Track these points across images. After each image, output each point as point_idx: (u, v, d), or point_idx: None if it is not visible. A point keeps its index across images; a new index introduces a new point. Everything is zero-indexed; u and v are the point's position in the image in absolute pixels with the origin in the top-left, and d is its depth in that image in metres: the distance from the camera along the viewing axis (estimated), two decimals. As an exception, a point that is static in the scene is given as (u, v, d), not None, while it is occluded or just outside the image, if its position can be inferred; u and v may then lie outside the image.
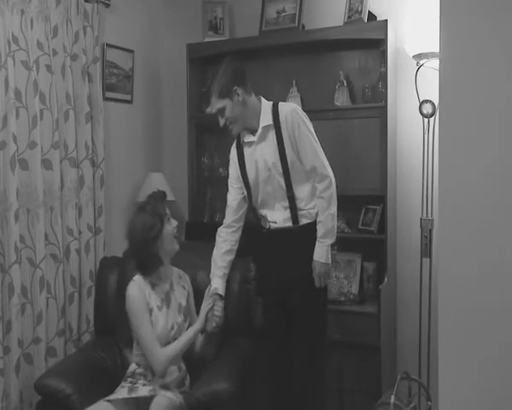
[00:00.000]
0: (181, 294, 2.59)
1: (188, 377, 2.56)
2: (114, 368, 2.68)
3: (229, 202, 2.76)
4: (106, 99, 3.49)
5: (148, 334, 2.40)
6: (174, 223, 2.53)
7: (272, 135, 2.54)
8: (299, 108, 2.59)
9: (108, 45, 3.51)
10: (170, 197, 3.71)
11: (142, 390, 2.41)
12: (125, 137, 3.73)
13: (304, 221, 2.56)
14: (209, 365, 2.59)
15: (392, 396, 2.50)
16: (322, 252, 2.52)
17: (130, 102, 3.76)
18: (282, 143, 2.52)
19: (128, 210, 3.66)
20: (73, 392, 2.38)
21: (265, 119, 2.55)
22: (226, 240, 2.69)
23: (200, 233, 3.64)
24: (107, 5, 3.44)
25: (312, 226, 2.55)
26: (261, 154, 2.57)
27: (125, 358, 2.68)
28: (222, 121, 2.56)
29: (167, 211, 2.52)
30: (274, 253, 2.62)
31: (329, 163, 2.58)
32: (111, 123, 3.58)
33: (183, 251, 2.87)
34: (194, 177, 3.75)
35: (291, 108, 2.55)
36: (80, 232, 3.22)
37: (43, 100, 2.98)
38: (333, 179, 2.54)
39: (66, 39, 3.11)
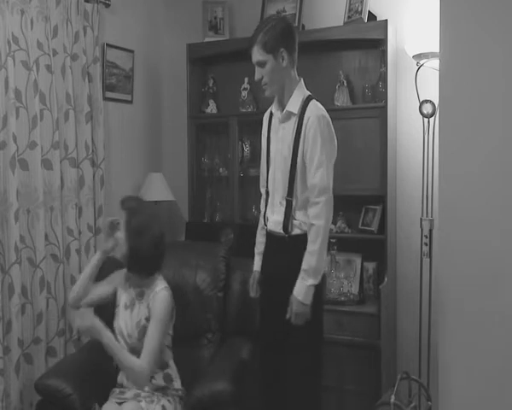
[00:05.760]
0: (144, 310, 2.41)
1: (174, 377, 2.50)
2: (114, 368, 2.68)
3: (261, 168, 2.58)
4: (106, 99, 3.49)
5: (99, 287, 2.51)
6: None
7: (294, 125, 2.35)
8: (328, 118, 2.34)
9: (108, 45, 3.51)
10: (170, 197, 3.72)
11: (128, 394, 2.39)
12: (125, 137, 3.73)
13: (295, 231, 2.35)
14: (209, 365, 2.59)
15: (392, 396, 2.50)
16: (301, 289, 2.26)
17: (130, 102, 3.77)
18: (299, 140, 2.33)
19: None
20: (73, 392, 2.38)
21: (293, 104, 2.36)
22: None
23: (200, 233, 3.65)
24: (107, 5, 3.44)
25: (302, 238, 2.32)
26: (283, 136, 2.40)
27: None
28: (258, 75, 2.37)
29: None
30: (267, 257, 2.50)
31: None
32: (111, 123, 3.58)
33: (183, 251, 2.87)
34: (194, 177, 3.75)
35: (318, 113, 2.31)
36: (80, 232, 3.22)
37: (43, 100, 2.98)
38: (325, 209, 2.26)
39: (67, 39, 3.11)
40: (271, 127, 2.49)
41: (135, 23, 3.80)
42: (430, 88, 3.02)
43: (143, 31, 3.90)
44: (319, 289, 2.42)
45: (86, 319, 2.25)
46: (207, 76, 3.85)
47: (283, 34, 2.35)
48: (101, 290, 2.51)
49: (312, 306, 2.33)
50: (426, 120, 3.13)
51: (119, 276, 2.54)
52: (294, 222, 2.35)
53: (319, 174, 2.28)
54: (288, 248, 2.37)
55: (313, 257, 2.25)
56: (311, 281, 2.26)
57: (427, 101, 3.09)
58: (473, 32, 1.52)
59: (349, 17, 3.30)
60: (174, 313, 2.47)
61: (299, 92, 2.39)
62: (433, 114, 3.09)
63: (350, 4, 3.31)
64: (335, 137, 2.39)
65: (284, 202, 2.37)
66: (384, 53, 3.18)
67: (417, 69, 3.12)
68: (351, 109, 3.34)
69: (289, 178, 2.35)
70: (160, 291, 2.40)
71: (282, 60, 2.33)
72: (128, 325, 2.42)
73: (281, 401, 2.47)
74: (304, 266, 2.26)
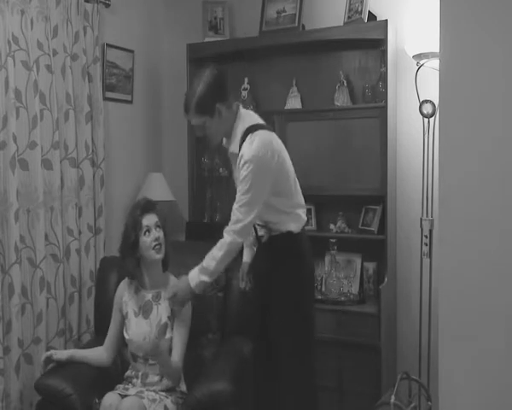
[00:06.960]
0: (164, 310, 2.51)
1: (181, 380, 2.53)
2: (114, 368, 2.68)
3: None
4: (106, 99, 3.49)
5: (110, 330, 2.61)
6: (154, 234, 2.48)
7: (238, 162, 2.37)
8: (259, 156, 2.28)
9: (108, 45, 3.51)
10: (170, 197, 3.72)
11: (131, 391, 2.41)
12: (125, 137, 3.73)
13: (271, 234, 2.44)
14: (209, 365, 2.59)
15: (392, 396, 2.50)
16: (195, 278, 2.37)
17: (130, 102, 3.76)
18: None
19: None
20: (73, 392, 2.38)
21: (234, 143, 2.39)
22: None
23: (200, 233, 3.65)
24: (107, 5, 3.44)
25: (280, 237, 2.42)
26: (234, 170, 2.48)
27: (125, 358, 2.68)
28: (199, 133, 2.43)
29: (145, 223, 2.48)
30: (255, 259, 2.58)
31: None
32: (111, 123, 3.58)
33: (183, 251, 2.87)
34: (194, 177, 3.76)
35: (249, 156, 2.27)
36: (80, 232, 3.22)
37: (43, 100, 2.98)
38: (233, 232, 2.32)
39: (67, 39, 3.11)
40: None
41: (135, 23, 3.80)
42: (430, 88, 3.02)
43: (143, 31, 3.90)
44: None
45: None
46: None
47: (213, 91, 2.34)
48: (116, 326, 2.59)
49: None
50: (426, 120, 3.13)
51: (121, 289, 2.62)
52: (268, 229, 2.44)
53: (237, 210, 2.31)
54: (268, 247, 2.46)
55: (213, 262, 2.35)
56: (206, 278, 2.37)
57: (427, 101, 3.09)
58: (473, 32, 1.52)
59: (349, 17, 3.30)
60: None
61: (238, 128, 2.39)
62: (433, 114, 3.09)
63: (350, 4, 3.31)
64: (270, 174, 2.33)
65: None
66: (384, 53, 3.18)
67: (417, 69, 3.12)
68: (351, 109, 3.34)
69: None
70: None
71: (220, 113, 2.35)
72: (145, 330, 2.47)
73: (274, 390, 2.51)
74: (204, 263, 2.37)
